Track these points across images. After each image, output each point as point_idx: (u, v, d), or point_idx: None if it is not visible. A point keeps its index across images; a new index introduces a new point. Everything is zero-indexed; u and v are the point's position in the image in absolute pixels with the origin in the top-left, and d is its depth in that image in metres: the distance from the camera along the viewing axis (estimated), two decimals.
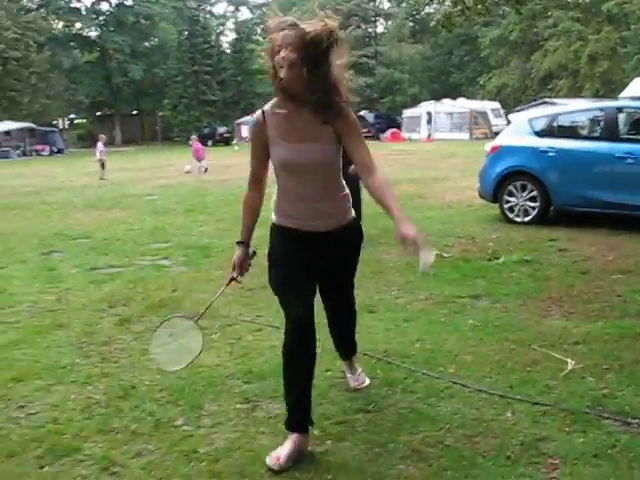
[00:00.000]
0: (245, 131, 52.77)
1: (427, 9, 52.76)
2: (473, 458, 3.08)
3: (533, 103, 34.18)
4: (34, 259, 8.39)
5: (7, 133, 48.09)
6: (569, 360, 4.21)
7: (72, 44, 63.07)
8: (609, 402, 3.64)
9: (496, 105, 44.23)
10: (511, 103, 47.34)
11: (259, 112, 3.19)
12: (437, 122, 43.70)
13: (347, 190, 3.36)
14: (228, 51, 65.96)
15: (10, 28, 52.56)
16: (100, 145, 23.18)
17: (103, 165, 22.57)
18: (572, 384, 3.88)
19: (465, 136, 41.11)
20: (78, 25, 63.41)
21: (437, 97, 48.26)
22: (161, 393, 3.97)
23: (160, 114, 65.29)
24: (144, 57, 61.84)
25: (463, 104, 44.15)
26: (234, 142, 46.59)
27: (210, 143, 49.51)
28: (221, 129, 51.95)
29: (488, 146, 10.45)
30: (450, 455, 3.11)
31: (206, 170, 22.43)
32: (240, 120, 52.86)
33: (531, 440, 3.24)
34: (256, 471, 3.01)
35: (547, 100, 34.96)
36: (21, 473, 3.09)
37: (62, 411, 3.75)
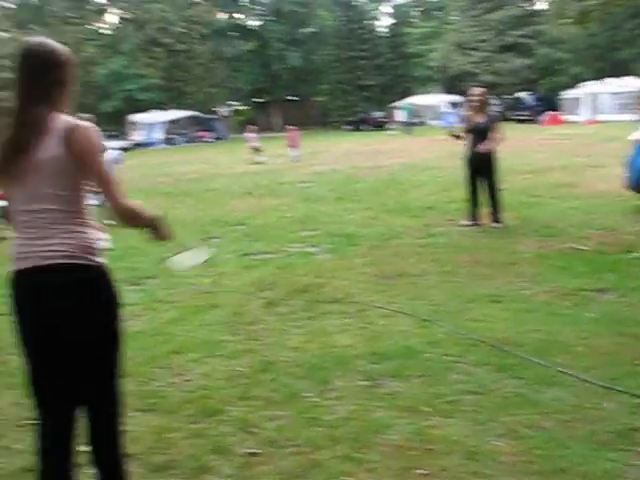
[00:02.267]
0: (399, 115, 53.10)
1: None
2: (564, 440, 3.41)
3: None
4: (195, 244, 9.30)
5: (174, 121, 51.32)
6: None
7: (234, 34, 65.84)
8: None
9: None
10: None
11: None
12: (601, 103, 41.85)
13: None
14: (385, 36, 66.26)
15: (177, 23, 55.87)
16: (249, 134, 25.58)
17: (257, 150, 24.79)
18: None
19: (633, 117, 38.97)
20: (239, 16, 66.10)
21: (602, 76, 45.99)
22: (296, 368, 4.55)
23: (318, 99, 66.87)
24: (302, 44, 63.43)
25: (630, 83, 41.89)
26: (387, 127, 46.83)
27: (366, 128, 50.32)
28: (377, 114, 52.41)
29: (635, 135, 10.26)
30: (543, 436, 3.46)
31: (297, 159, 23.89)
32: (394, 104, 53.22)
33: (624, 429, 3.50)
34: (368, 438, 3.50)
35: None
36: (176, 427, 3.80)
37: (211, 379, 4.45)
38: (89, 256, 2.74)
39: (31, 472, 3.41)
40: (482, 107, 9.20)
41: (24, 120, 2.68)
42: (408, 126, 40.02)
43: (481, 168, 9.12)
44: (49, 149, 2.64)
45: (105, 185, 2.72)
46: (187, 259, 3.71)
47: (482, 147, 9.02)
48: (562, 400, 3.85)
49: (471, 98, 9.31)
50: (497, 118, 9.41)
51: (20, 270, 2.71)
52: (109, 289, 2.87)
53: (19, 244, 2.73)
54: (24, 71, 2.73)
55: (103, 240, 2.87)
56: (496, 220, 9.17)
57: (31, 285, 2.71)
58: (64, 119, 2.70)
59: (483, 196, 9.27)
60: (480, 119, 9.15)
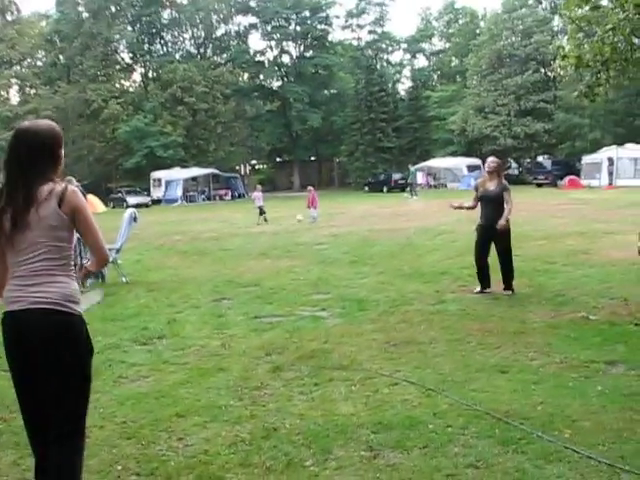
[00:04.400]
0: (420, 178, 53.48)
1: None
2: None
3: None
4: (206, 305, 9.37)
5: (194, 179, 52.15)
6: None
7: (255, 94, 67.16)
8: None
9: None
10: None
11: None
12: (620, 168, 41.99)
13: None
14: (404, 99, 67.28)
15: (200, 83, 57.24)
16: (257, 194, 25.89)
17: (261, 211, 25.03)
18: None
19: None
20: (261, 77, 67.53)
21: (621, 141, 46.14)
22: (298, 436, 4.53)
23: (337, 160, 67.66)
24: (322, 105, 64.54)
25: None
26: (407, 190, 47.08)
27: (385, 190, 50.70)
28: (396, 176, 52.79)
29: None
30: None
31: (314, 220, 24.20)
32: (415, 167, 53.76)
33: None
34: None
35: None
36: None
37: (213, 445, 4.44)
38: (69, 304, 3.21)
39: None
40: (496, 175, 9.31)
41: (23, 194, 3.19)
42: (412, 189, 41.40)
43: (495, 234, 9.13)
44: (46, 209, 3.17)
45: (91, 234, 3.29)
46: None
47: (500, 225, 9.03)
48: (566, 477, 3.79)
49: (488, 164, 9.47)
50: (507, 187, 9.41)
51: (11, 312, 3.21)
52: (82, 336, 3.29)
53: (12, 289, 3.23)
54: (18, 152, 3.26)
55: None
56: (508, 287, 9.16)
57: (18, 325, 3.18)
58: (56, 185, 3.24)
59: (497, 262, 9.28)
60: (492, 186, 9.24)
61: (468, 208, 9.69)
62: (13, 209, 3.17)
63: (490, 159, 9.59)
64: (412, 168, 44.59)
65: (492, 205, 9.15)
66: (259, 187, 27.34)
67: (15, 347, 3.22)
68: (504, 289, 9.18)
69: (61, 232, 3.20)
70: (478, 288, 9.31)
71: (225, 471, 4.03)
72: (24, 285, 3.18)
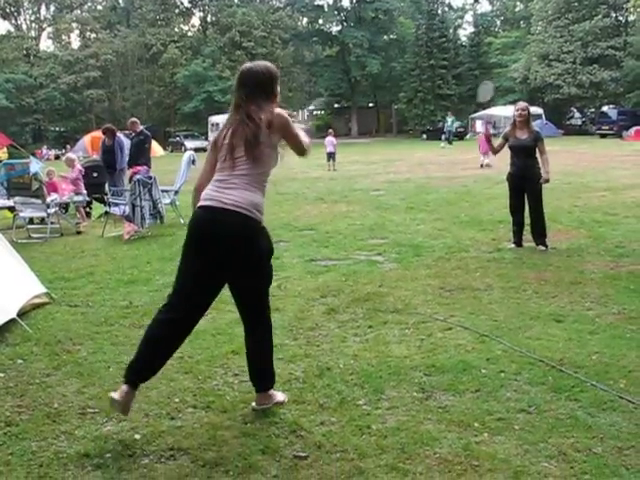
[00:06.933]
0: (479, 126, 52.48)
1: None
2: (616, 468, 3.34)
3: None
4: None
5: None
6: None
7: (314, 39, 66.41)
8: None
9: None
10: None
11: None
12: None
13: None
14: (465, 45, 65.71)
15: (259, 27, 56.92)
16: (329, 139, 25.19)
17: (329, 157, 24.50)
18: None
19: None
20: (320, 21, 66.62)
21: None
22: (351, 376, 4.60)
23: (395, 107, 66.80)
24: (382, 51, 63.44)
25: None
26: (468, 137, 46.28)
27: (442, 137, 49.93)
28: (455, 123, 51.84)
29: None
30: (594, 461, 3.39)
31: (484, 165, 21.94)
32: (474, 115, 52.83)
33: None
34: (415, 450, 3.53)
35: None
36: (229, 425, 3.91)
37: None
38: (254, 210, 3.76)
39: (89, 458, 3.57)
40: (527, 123, 8.86)
41: (242, 117, 3.84)
42: (448, 137, 42.28)
43: (526, 184, 8.78)
44: (257, 130, 3.76)
45: (295, 141, 3.96)
46: None
47: (544, 180, 8.69)
48: (618, 426, 3.77)
49: (519, 113, 8.87)
50: (540, 136, 8.91)
51: (204, 206, 3.81)
52: (261, 238, 3.85)
53: (210, 190, 3.85)
54: (244, 84, 3.94)
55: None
56: (541, 243, 8.75)
57: (208, 218, 3.80)
58: (269, 113, 3.81)
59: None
60: (524, 135, 8.80)
61: (493, 149, 9.37)
62: (233, 127, 3.86)
63: (520, 105, 9.04)
64: (451, 117, 44.82)
65: (523, 155, 8.75)
66: (331, 131, 26.62)
67: (202, 238, 3.82)
68: (537, 245, 8.78)
69: (265, 148, 3.77)
70: (511, 244, 8.98)
71: (278, 406, 4.12)
72: (222, 187, 3.78)
